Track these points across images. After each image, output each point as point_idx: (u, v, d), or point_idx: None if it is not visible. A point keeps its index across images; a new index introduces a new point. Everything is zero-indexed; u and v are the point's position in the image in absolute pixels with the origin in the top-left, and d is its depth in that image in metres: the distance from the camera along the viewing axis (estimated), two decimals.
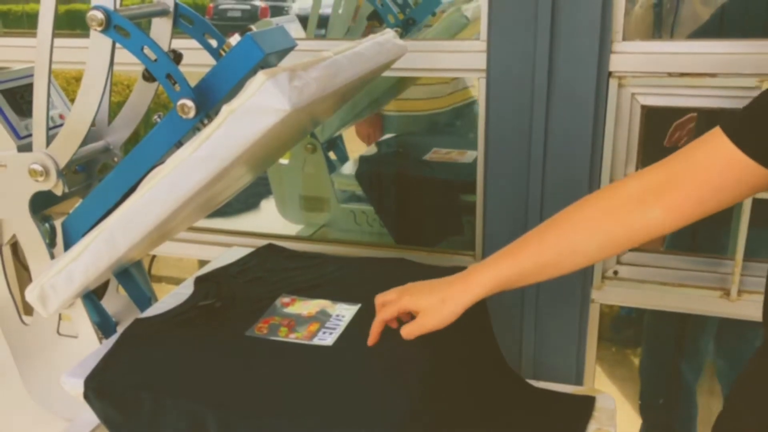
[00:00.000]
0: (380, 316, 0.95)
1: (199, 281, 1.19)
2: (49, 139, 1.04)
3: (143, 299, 1.24)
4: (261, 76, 0.75)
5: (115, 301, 1.32)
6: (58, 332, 1.14)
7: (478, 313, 1.12)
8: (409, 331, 0.92)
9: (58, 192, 1.05)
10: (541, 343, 1.38)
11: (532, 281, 0.86)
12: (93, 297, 1.13)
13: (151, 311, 1.13)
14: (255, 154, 0.93)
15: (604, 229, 0.79)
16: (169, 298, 1.17)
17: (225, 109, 0.78)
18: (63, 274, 0.93)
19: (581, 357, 1.38)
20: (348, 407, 0.87)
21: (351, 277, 1.20)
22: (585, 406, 1.12)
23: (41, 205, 1.11)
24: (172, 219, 0.90)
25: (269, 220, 2.05)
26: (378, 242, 1.64)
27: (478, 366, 1.13)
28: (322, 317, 1.07)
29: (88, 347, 1.12)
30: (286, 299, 1.13)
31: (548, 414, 1.13)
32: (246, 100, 0.75)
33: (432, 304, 0.89)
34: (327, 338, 1.01)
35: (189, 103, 0.92)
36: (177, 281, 1.82)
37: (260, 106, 0.75)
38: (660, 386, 1.84)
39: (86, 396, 0.92)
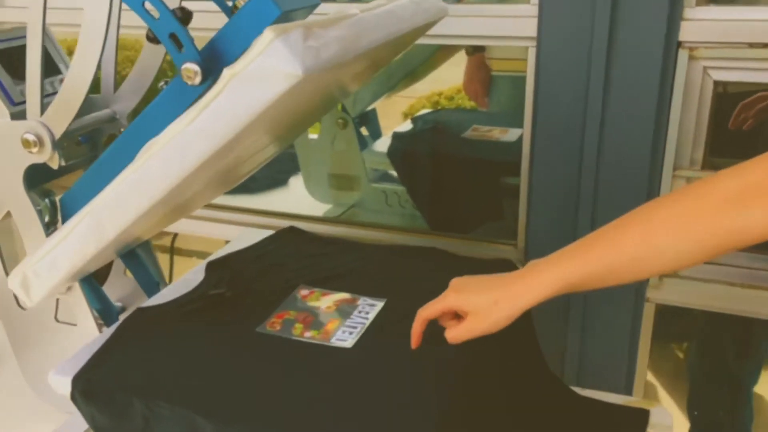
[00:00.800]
0: (421, 315, 0.81)
1: (211, 267, 1.08)
2: (45, 107, 0.93)
3: (151, 284, 1.13)
4: (269, 33, 0.62)
5: (122, 285, 1.22)
6: (56, 319, 1.05)
7: None
8: (454, 336, 0.78)
9: (54, 165, 0.95)
10: (587, 346, 1.25)
11: (599, 286, 0.73)
12: (93, 281, 1.03)
13: (158, 298, 1.02)
14: (271, 124, 0.81)
15: (693, 232, 0.65)
16: (178, 284, 1.07)
17: (226, 72, 0.66)
18: (47, 260, 0.82)
19: (632, 362, 1.24)
20: (367, 422, 0.75)
21: (378, 267, 1.08)
22: (638, 420, 0.99)
23: (39, 178, 1.01)
24: (172, 199, 0.79)
25: (297, 198, 1.93)
26: (409, 227, 1.51)
27: (517, 371, 1.01)
28: (342, 313, 0.95)
29: (88, 336, 1.02)
30: (304, 291, 1.01)
31: (595, 427, 1.01)
32: (250, 62, 0.63)
33: (483, 306, 0.76)
34: (347, 338, 0.89)
35: (193, 67, 0.80)
36: (204, 255, 1.71)
37: (267, 70, 0.62)
38: (712, 389, 1.69)
39: (73, 397, 0.82)
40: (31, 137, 0.92)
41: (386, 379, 0.82)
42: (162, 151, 0.70)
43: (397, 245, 1.13)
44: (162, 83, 0.93)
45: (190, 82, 0.81)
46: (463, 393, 0.83)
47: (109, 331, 0.92)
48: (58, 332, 1.05)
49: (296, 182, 2.00)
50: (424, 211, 1.67)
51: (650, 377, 2.10)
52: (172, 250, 1.87)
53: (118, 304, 1.23)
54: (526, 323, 1.05)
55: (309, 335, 0.90)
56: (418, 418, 0.76)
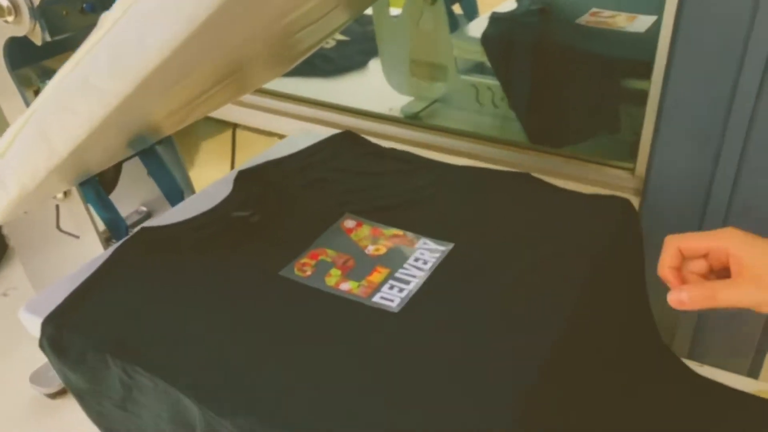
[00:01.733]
0: (676, 243, 0.55)
1: (241, 178, 0.87)
2: None
3: (174, 192, 0.94)
4: None
5: (148, 187, 1.03)
6: (58, 227, 0.87)
7: (633, 257, 0.76)
8: (704, 297, 0.52)
9: (37, 40, 0.73)
10: (710, 311, 0.97)
11: None
12: (97, 187, 0.84)
13: (175, 213, 0.83)
14: None
15: None
16: (200, 197, 0.87)
17: None
18: None
19: (766, 338, 0.96)
20: (414, 419, 0.54)
21: (450, 197, 0.83)
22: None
23: (29, 55, 0.81)
24: (158, 95, 0.56)
25: (374, 86, 1.67)
26: (499, 138, 1.23)
27: (623, 340, 0.78)
28: (393, 259, 0.72)
29: (92, 251, 0.85)
30: (350, 222, 0.78)
31: (715, 416, 0.78)
32: None
33: None
34: (394, 298, 0.66)
35: None
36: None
37: None
38: None
39: (42, 345, 0.65)
40: (3, 2, 0.71)
41: (443, 363, 0.59)
42: (111, 34, 0.46)
43: (480, 168, 0.87)
44: None
45: None
46: (553, 383, 0.61)
47: (99, 259, 0.73)
48: (62, 242, 0.88)
49: (376, 66, 1.73)
50: (521, 114, 1.37)
51: None
52: (234, 143, 1.68)
53: (143, 209, 1.05)
54: (637, 276, 0.80)
55: (346, 287, 0.68)
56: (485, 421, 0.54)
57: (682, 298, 0.53)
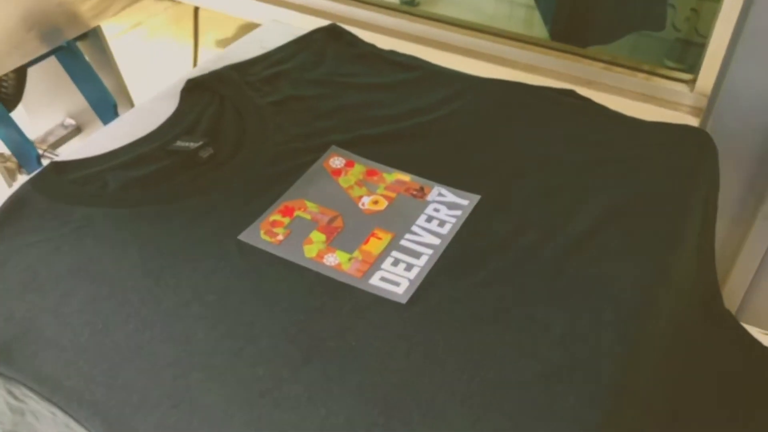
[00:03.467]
0: None
1: (190, 91, 0.65)
2: None
3: (103, 102, 0.72)
4: None
5: (75, 95, 0.81)
6: None
7: (710, 206, 0.60)
8: None
9: None
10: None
11: None
12: None
13: (101, 137, 0.61)
14: None
15: None
16: (136, 117, 0.66)
17: None
18: None
19: None
20: None
21: (474, 125, 0.62)
22: None
23: None
24: None
25: None
26: (516, 33, 0.99)
27: (689, 299, 0.62)
28: (398, 217, 0.52)
29: None
30: (337, 160, 0.58)
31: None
32: None
33: None
34: (400, 280, 0.47)
35: None
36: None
37: None
38: None
39: None
40: None
41: (478, 385, 0.41)
42: None
43: (512, 83, 0.66)
44: None
45: None
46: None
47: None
48: None
49: None
50: (543, 3, 1.13)
51: None
52: (197, 24, 1.43)
53: (71, 122, 0.83)
54: (709, 235, 0.62)
55: (332, 261, 0.49)
56: None
57: None
